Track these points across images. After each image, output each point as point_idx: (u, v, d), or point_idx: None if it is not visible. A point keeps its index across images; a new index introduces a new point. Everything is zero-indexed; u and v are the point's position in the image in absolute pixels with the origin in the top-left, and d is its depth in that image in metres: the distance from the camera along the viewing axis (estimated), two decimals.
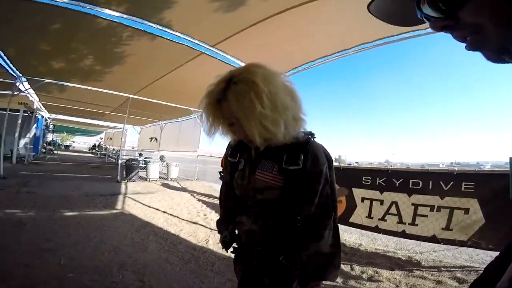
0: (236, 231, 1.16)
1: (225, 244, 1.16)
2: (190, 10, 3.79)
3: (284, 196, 0.95)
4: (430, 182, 3.28)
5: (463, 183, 3.05)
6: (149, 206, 5.57)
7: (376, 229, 3.63)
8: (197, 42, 4.80)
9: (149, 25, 4.26)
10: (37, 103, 12.06)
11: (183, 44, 4.85)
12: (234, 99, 0.87)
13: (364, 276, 2.81)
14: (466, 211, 2.97)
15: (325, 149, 1.00)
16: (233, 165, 1.12)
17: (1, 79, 7.77)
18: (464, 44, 0.37)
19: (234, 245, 1.16)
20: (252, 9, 3.62)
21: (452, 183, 3.12)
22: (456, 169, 3.33)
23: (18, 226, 3.50)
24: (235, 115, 0.89)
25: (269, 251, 1.00)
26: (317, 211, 0.95)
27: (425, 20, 0.37)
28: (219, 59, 5.47)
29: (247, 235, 1.07)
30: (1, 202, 4.65)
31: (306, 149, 0.94)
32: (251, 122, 0.86)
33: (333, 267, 0.97)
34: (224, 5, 3.54)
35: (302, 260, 0.95)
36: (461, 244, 3.01)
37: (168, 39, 4.70)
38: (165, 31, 4.40)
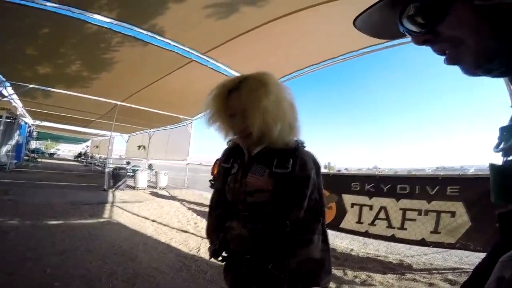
0: (225, 240, 1.15)
1: (214, 253, 1.15)
2: (182, 17, 3.81)
3: (273, 199, 0.97)
4: (417, 187, 3.36)
5: (448, 187, 3.14)
6: (138, 215, 5.46)
7: (366, 234, 3.67)
8: (187, 49, 4.82)
9: (140, 32, 4.25)
10: (20, 109, 11.74)
11: (173, 51, 4.86)
12: (247, 90, 0.97)
13: (357, 280, 2.82)
14: (453, 214, 3.05)
15: (314, 156, 1.04)
16: (226, 170, 1.14)
17: None
18: (443, 58, 0.39)
19: (224, 254, 1.15)
20: (243, 18, 3.68)
21: (438, 187, 3.21)
22: (441, 173, 3.43)
23: (0, 234, 3.37)
24: (242, 104, 0.97)
25: (258, 259, 1.00)
26: (306, 215, 0.96)
27: (407, 34, 0.40)
28: (209, 67, 5.51)
29: (236, 240, 1.07)
30: None
31: (295, 155, 0.98)
32: (256, 112, 0.94)
33: (325, 272, 0.96)
34: (216, 12, 3.59)
35: (292, 267, 0.94)
36: (450, 246, 3.07)
37: (159, 46, 4.69)
38: (155, 37, 4.41)
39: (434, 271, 3.05)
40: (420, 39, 0.38)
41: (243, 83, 0.99)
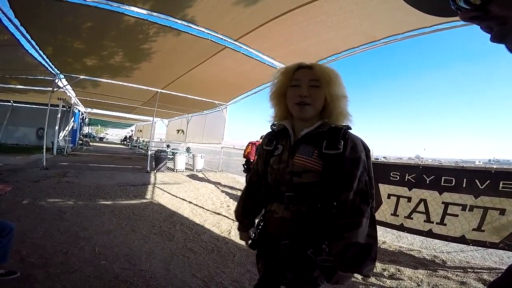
0: (262, 225, 1.19)
1: (252, 244, 1.20)
2: (213, 4, 3.81)
3: (322, 181, 0.97)
4: (465, 180, 3.07)
5: (501, 182, 2.83)
6: (176, 196, 5.80)
7: (401, 228, 3.49)
8: (220, 36, 4.84)
9: (174, 21, 4.36)
10: (74, 98, 12.90)
11: (207, 39, 4.92)
12: (321, 67, 1.04)
13: (385, 273, 2.75)
14: (502, 211, 2.77)
15: (362, 139, 1.03)
16: (268, 153, 1.15)
17: (42, 77, 8.38)
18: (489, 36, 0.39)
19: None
20: (274, 2, 3.58)
21: (489, 181, 2.91)
22: (495, 166, 3.10)
23: (58, 214, 3.81)
24: (317, 76, 1.02)
25: (296, 244, 1.01)
26: (356, 197, 0.94)
27: (457, 11, 0.40)
28: (242, 53, 5.49)
29: (277, 223, 1.07)
30: (45, 191, 5.09)
31: (345, 137, 0.99)
32: (330, 86, 1.01)
33: (370, 259, 0.93)
34: None
35: (337, 250, 0.94)
36: (493, 246, 2.83)
37: (193, 35, 4.78)
38: (190, 26, 4.48)
39: (469, 270, 2.88)
40: (468, 15, 0.39)
41: (314, 63, 1.06)
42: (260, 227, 1.19)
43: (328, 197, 0.97)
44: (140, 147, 21.84)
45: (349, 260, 0.92)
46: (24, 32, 4.90)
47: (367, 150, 1.01)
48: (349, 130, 1.03)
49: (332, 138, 0.98)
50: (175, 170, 10.11)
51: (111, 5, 3.92)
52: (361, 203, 0.94)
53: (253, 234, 1.20)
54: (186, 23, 4.40)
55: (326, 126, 1.03)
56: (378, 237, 0.97)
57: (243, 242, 1.14)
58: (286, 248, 1.03)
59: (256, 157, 1.36)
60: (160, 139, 23.78)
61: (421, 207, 3.35)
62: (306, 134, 1.04)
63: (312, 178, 0.98)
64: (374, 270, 2.82)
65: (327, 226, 0.98)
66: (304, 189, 1.00)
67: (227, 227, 3.95)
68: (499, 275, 0.56)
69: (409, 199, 3.48)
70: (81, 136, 19.72)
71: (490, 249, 3.03)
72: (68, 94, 11.16)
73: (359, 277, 2.63)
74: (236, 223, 1.34)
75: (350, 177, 0.95)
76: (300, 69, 1.05)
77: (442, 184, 3.23)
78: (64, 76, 8.40)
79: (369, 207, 0.95)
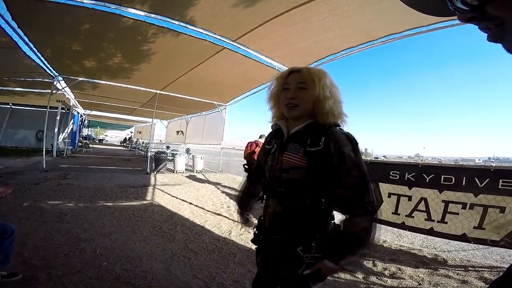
0: (262, 220, 1.23)
1: (254, 239, 1.25)
2: (212, 6, 3.82)
3: (307, 177, 1.01)
4: (464, 178, 3.07)
5: (501, 180, 2.84)
6: (176, 197, 5.79)
7: (402, 226, 3.50)
8: (219, 37, 4.85)
9: (173, 23, 4.37)
10: (73, 100, 12.88)
11: (206, 40, 4.92)
12: (308, 70, 1.08)
13: (386, 273, 2.75)
14: (502, 209, 2.77)
15: (349, 134, 1.04)
16: (267, 151, 1.22)
17: (41, 79, 8.39)
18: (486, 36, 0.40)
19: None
20: (272, 3, 3.58)
21: (488, 179, 2.91)
22: (494, 164, 3.11)
23: (59, 216, 3.81)
24: (304, 79, 1.07)
25: (287, 240, 1.05)
26: (347, 193, 0.97)
27: (455, 12, 0.41)
28: (240, 54, 5.50)
29: (271, 218, 1.13)
30: (45, 193, 5.09)
31: (327, 133, 1.01)
32: (315, 87, 1.04)
33: (354, 250, 0.94)
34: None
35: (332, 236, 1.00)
36: (494, 244, 2.83)
37: (191, 36, 4.79)
38: (187, 27, 4.49)
39: (470, 269, 2.89)
40: (466, 16, 0.40)
41: (305, 68, 1.11)
42: (261, 222, 1.23)
43: (315, 193, 1.01)
44: (140, 148, 21.80)
45: (332, 247, 0.95)
46: (22, 34, 4.90)
47: (353, 143, 1.01)
48: (335, 128, 1.04)
49: (315, 136, 1.02)
50: (175, 171, 10.11)
51: (109, 7, 3.93)
52: (355, 198, 0.96)
53: (254, 228, 1.25)
54: (184, 24, 4.41)
55: (315, 124, 1.06)
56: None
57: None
58: (277, 243, 1.08)
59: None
60: (160, 141, 23.75)
61: (422, 206, 3.35)
62: (295, 132, 1.10)
63: (299, 175, 1.02)
64: (375, 269, 2.82)
65: (316, 222, 1.02)
66: (292, 185, 1.05)
67: (227, 227, 3.95)
68: (500, 274, 0.56)
69: (410, 197, 3.48)
70: (81, 138, 19.69)
71: (491, 247, 3.04)
72: (67, 96, 11.15)
73: (360, 276, 2.63)
74: (237, 223, 1.38)
75: (339, 172, 0.97)
76: (291, 74, 1.11)
77: (442, 182, 3.24)
78: (63, 78, 8.39)
79: (365, 201, 0.95)
